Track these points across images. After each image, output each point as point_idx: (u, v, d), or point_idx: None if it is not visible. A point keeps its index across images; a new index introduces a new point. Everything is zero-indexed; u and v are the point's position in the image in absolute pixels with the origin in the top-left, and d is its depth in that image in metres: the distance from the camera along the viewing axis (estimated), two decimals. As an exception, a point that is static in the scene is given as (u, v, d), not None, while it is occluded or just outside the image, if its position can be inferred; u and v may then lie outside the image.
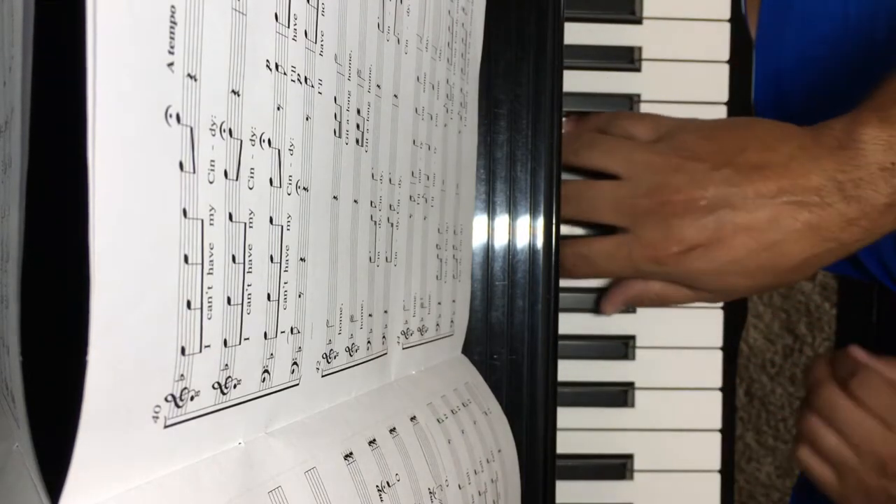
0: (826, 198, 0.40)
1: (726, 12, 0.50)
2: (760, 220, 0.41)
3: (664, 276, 0.44)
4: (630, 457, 0.51)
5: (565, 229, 0.49)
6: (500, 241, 0.42)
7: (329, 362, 0.26)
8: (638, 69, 0.49)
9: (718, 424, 0.51)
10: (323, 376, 0.26)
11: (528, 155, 0.42)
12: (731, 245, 0.41)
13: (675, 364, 0.51)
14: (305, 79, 0.23)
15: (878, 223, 0.40)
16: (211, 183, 0.18)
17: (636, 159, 0.44)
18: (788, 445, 1.15)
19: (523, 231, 0.42)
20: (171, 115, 0.17)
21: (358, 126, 0.27)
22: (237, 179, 0.19)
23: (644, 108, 0.50)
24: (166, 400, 0.18)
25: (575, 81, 0.49)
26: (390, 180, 0.30)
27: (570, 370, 0.50)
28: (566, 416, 0.51)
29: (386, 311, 0.31)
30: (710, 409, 0.51)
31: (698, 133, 0.44)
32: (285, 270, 0.22)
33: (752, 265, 0.42)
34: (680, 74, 0.50)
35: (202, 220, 0.18)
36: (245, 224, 0.20)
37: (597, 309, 0.50)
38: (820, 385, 0.49)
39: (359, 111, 0.27)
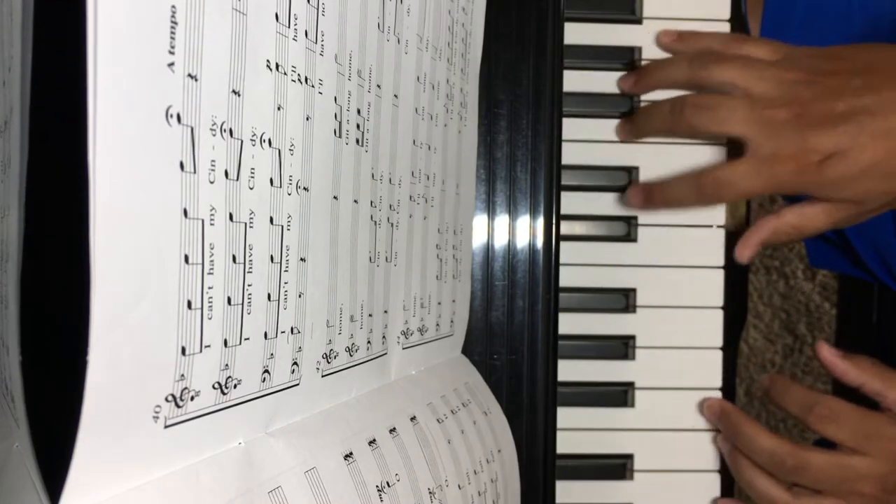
0: None
1: (726, 12, 0.50)
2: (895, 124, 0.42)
3: (806, 187, 0.44)
4: (630, 457, 0.51)
5: (566, 227, 0.49)
6: (500, 241, 0.42)
7: (329, 362, 0.26)
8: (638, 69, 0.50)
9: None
10: (323, 376, 0.26)
11: (528, 155, 0.42)
12: (871, 149, 0.42)
13: (675, 364, 0.51)
14: (306, 79, 0.23)
15: None
16: (211, 183, 0.18)
17: (768, 75, 0.45)
18: (788, 445, 1.14)
19: (523, 231, 0.42)
20: (171, 115, 0.17)
21: (358, 126, 0.27)
22: (237, 179, 0.19)
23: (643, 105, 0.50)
24: (166, 400, 0.18)
25: (575, 81, 0.49)
26: (390, 180, 0.30)
27: (570, 370, 0.50)
28: (566, 416, 0.51)
29: (386, 311, 0.31)
30: (710, 409, 0.51)
31: (823, 53, 0.45)
32: (285, 270, 0.22)
33: (891, 168, 0.42)
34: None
35: (203, 220, 0.18)
36: (245, 224, 0.20)
37: (597, 309, 0.50)
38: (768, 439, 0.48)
39: (359, 111, 0.27)
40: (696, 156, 0.50)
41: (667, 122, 0.47)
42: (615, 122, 0.49)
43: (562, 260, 0.44)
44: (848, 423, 0.46)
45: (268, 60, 0.20)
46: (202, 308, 0.18)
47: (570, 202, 0.49)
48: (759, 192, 0.46)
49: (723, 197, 0.46)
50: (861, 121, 0.42)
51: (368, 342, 0.29)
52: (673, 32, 0.49)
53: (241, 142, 0.20)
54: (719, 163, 0.47)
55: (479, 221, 0.41)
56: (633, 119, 0.49)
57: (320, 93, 0.24)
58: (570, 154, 0.49)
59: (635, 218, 0.50)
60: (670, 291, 0.51)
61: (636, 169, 0.50)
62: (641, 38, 0.50)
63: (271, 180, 0.21)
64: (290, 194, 0.22)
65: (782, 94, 0.44)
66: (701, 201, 0.47)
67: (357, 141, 0.27)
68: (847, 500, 0.46)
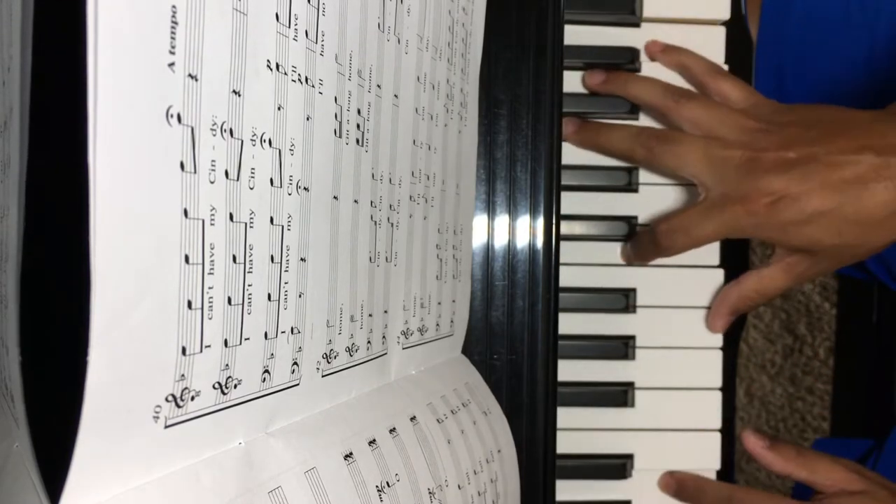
0: None
1: (726, 12, 0.50)
2: (846, 175, 0.43)
3: (756, 229, 0.45)
4: (630, 456, 0.51)
5: (566, 227, 0.49)
6: (500, 241, 0.42)
7: (329, 362, 0.26)
8: (638, 69, 0.49)
9: (718, 424, 0.51)
10: (323, 376, 0.26)
11: (528, 155, 0.42)
12: (817, 196, 0.43)
13: (675, 364, 0.51)
14: (306, 79, 0.23)
15: None
16: (212, 183, 0.18)
17: (730, 121, 0.46)
18: (788, 445, 1.15)
19: (523, 231, 0.42)
20: (172, 115, 0.17)
21: (358, 126, 0.27)
22: (238, 179, 0.19)
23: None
24: (167, 400, 0.18)
25: (575, 81, 0.49)
26: (390, 180, 0.30)
27: (570, 370, 0.50)
28: (566, 416, 0.51)
29: (386, 311, 0.30)
30: (710, 409, 0.51)
31: (788, 108, 0.47)
32: (286, 270, 0.22)
33: (837, 218, 0.43)
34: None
35: (203, 221, 0.18)
36: (246, 224, 0.20)
37: (597, 309, 0.50)
38: None
39: (359, 111, 0.27)
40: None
41: (625, 145, 0.48)
42: (616, 122, 0.49)
43: (562, 260, 0.44)
44: None
45: (268, 60, 0.20)
46: (202, 308, 0.18)
47: (570, 202, 0.49)
48: (712, 237, 0.47)
49: (677, 245, 0.47)
50: (811, 168, 0.43)
51: (368, 342, 0.29)
52: (660, 44, 0.50)
53: (242, 142, 0.20)
54: (671, 213, 0.48)
55: (479, 221, 0.41)
56: (597, 128, 0.49)
57: (320, 93, 0.24)
58: (570, 154, 0.49)
59: (635, 218, 0.50)
60: (670, 291, 0.51)
61: (636, 169, 0.50)
62: (641, 38, 0.50)
63: (271, 180, 0.21)
64: (290, 194, 0.22)
65: (740, 139, 0.45)
66: (660, 253, 0.48)
67: (357, 141, 0.27)
68: None
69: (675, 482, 0.51)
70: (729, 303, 0.49)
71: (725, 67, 0.50)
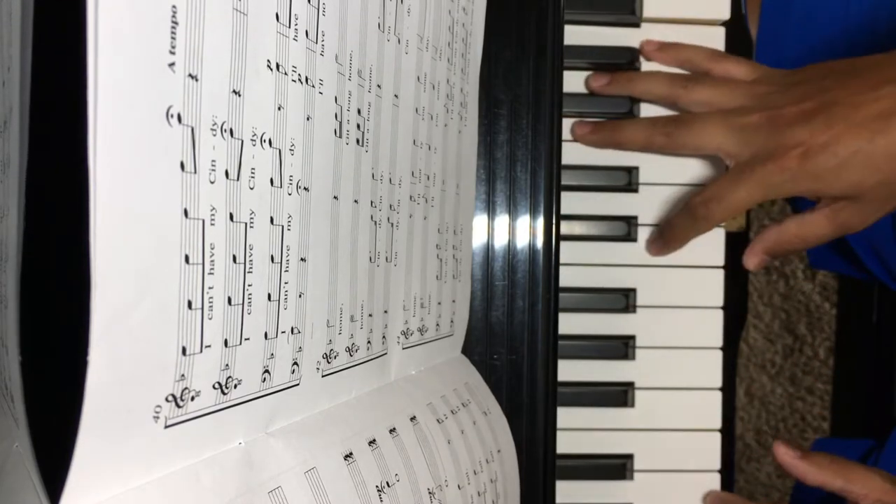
0: None
1: (726, 12, 0.50)
2: (870, 112, 0.42)
3: (792, 185, 0.44)
4: (630, 457, 0.51)
5: (566, 227, 0.49)
6: (500, 241, 0.42)
7: (329, 362, 0.26)
8: (638, 69, 0.49)
9: (718, 424, 0.51)
10: (323, 376, 0.26)
11: (528, 155, 0.42)
12: (847, 138, 0.42)
13: (675, 364, 0.51)
14: (306, 79, 0.23)
15: None
16: (212, 183, 0.18)
17: (740, 92, 0.46)
18: (788, 445, 1.14)
19: (523, 231, 0.42)
20: (172, 115, 0.17)
21: (358, 126, 0.27)
22: (238, 179, 0.19)
23: (644, 108, 0.50)
24: (167, 400, 0.18)
25: (575, 81, 0.49)
26: (390, 180, 0.30)
27: (570, 370, 0.50)
28: (566, 416, 0.51)
29: (386, 311, 0.30)
30: (710, 409, 0.51)
31: (792, 70, 0.47)
32: (286, 270, 0.22)
33: (873, 155, 0.42)
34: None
35: (203, 221, 0.18)
36: (246, 224, 0.20)
37: (597, 309, 0.50)
38: None
39: (359, 111, 0.27)
40: (696, 158, 0.50)
41: (644, 135, 0.48)
42: (614, 122, 0.49)
43: (562, 260, 0.44)
44: None
45: (268, 60, 0.20)
46: (202, 308, 0.18)
47: (570, 202, 0.49)
48: (748, 201, 0.46)
49: (714, 215, 0.46)
50: (834, 112, 0.42)
51: (368, 342, 0.29)
52: (655, 42, 0.50)
53: (242, 142, 0.20)
54: (706, 185, 0.48)
55: (479, 221, 0.41)
56: (612, 125, 0.49)
57: (321, 93, 0.24)
58: (570, 154, 0.49)
59: (635, 218, 0.50)
60: (670, 291, 0.51)
61: (636, 169, 0.50)
62: (641, 38, 0.50)
63: (272, 180, 0.21)
64: (290, 194, 0.22)
65: (755, 103, 0.45)
66: (698, 227, 0.48)
67: (357, 141, 0.27)
68: None
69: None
70: (766, 242, 0.48)
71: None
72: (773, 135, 0.43)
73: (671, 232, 0.49)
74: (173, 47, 0.17)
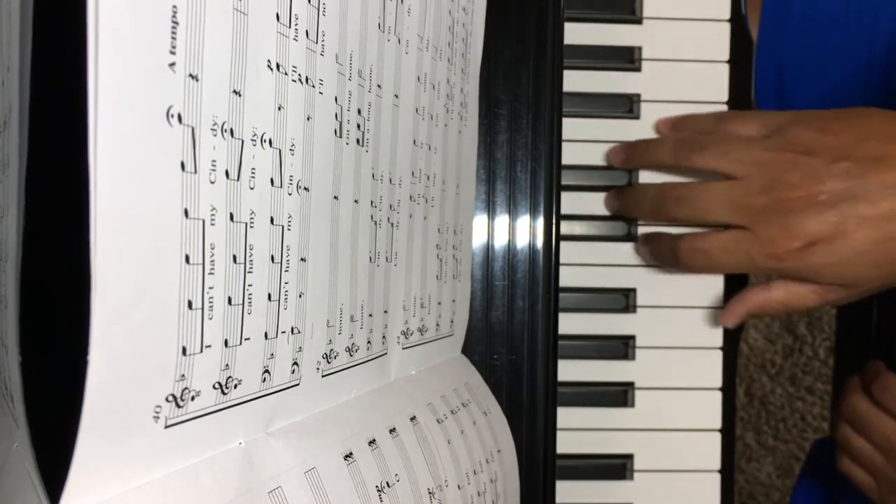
0: None
1: (726, 12, 0.50)
2: (884, 211, 0.40)
3: (783, 272, 0.43)
4: (630, 457, 0.51)
5: (567, 227, 0.49)
6: (500, 241, 0.42)
7: (329, 362, 0.26)
8: (638, 69, 0.49)
9: (718, 424, 0.51)
10: (323, 376, 0.26)
11: (528, 155, 0.42)
12: (856, 237, 0.40)
13: (675, 364, 0.51)
14: (306, 79, 0.23)
15: None
16: (212, 183, 0.18)
17: (749, 158, 0.43)
18: (789, 445, 1.15)
19: (523, 231, 0.42)
20: (172, 115, 0.17)
21: (359, 126, 0.27)
22: (238, 179, 0.19)
23: (644, 107, 0.50)
24: (167, 400, 0.18)
25: (575, 81, 0.49)
26: (391, 180, 0.30)
27: (570, 370, 0.50)
28: (566, 416, 0.51)
29: (386, 311, 0.30)
30: (710, 409, 0.51)
31: (812, 126, 0.43)
32: (286, 270, 0.22)
33: (879, 256, 0.41)
34: (680, 74, 0.50)
35: (203, 221, 0.18)
36: (246, 224, 0.20)
37: (597, 309, 0.50)
38: (847, 393, 0.51)
39: (359, 111, 0.27)
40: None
41: (649, 209, 0.47)
42: (615, 122, 0.49)
43: (562, 260, 0.44)
44: None
45: (268, 60, 0.20)
46: (203, 308, 0.18)
47: (570, 202, 0.49)
48: (734, 270, 0.45)
49: (696, 266, 0.46)
50: (846, 207, 0.40)
51: (368, 342, 0.29)
52: (668, 121, 0.48)
53: (242, 142, 0.20)
54: (702, 232, 0.46)
55: (479, 221, 0.41)
56: (621, 198, 0.48)
57: (321, 93, 0.24)
58: (570, 154, 0.49)
59: (636, 218, 0.50)
60: (670, 291, 0.51)
61: (636, 171, 0.50)
62: (641, 38, 0.50)
63: (272, 180, 0.21)
64: (290, 194, 0.22)
65: (764, 178, 0.42)
66: (679, 269, 0.47)
67: (357, 141, 0.27)
68: None
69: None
70: (749, 305, 0.47)
71: (727, 66, 0.50)
72: (780, 219, 0.41)
73: (653, 254, 0.48)
74: (174, 47, 0.17)
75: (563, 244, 0.46)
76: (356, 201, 0.27)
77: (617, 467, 0.51)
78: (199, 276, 0.18)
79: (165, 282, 0.17)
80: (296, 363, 0.24)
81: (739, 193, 0.43)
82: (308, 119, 0.23)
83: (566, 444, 0.49)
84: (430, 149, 0.34)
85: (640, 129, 0.50)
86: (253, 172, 0.20)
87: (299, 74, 0.22)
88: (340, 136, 0.25)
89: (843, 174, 0.40)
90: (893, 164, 0.40)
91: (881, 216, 0.40)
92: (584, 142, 0.49)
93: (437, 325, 0.36)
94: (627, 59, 0.49)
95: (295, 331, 0.23)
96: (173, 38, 0.17)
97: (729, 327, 0.49)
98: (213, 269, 0.19)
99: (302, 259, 0.23)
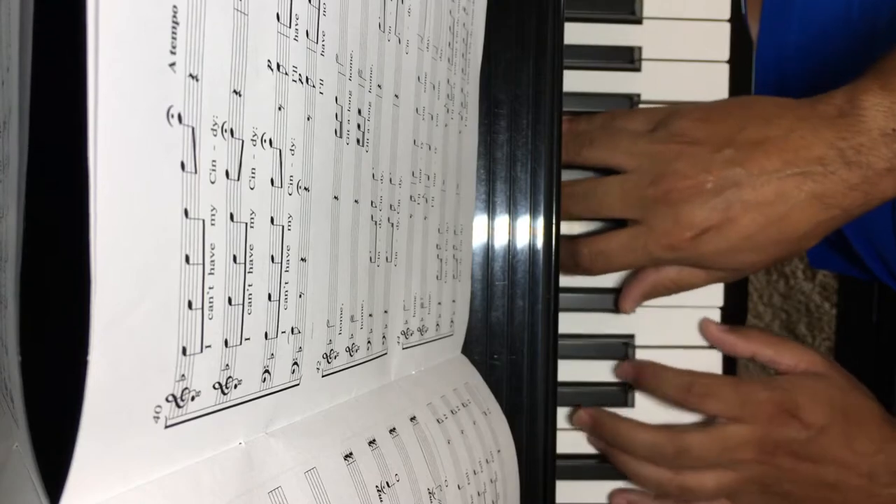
0: (828, 166, 0.40)
1: (726, 12, 0.50)
2: (767, 196, 0.41)
3: (680, 261, 0.45)
4: (630, 457, 0.51)
5: (565, 227, 0.49)
6: (500, 241, 0.42)
7: (329, 362, 0.26)
8: (638, 69, 0.49)
9: (718, 424, 0.51)
10: (323, 376, 0.26)
11: (528, 155, 0.42)
12: (742, 223, 0.42)
13: (675, 364, 0.51)
14: (307, 79, 0.23)
15: (878, 188, 0.41)
16: (212, 183, 0.18)
17: (637, 150, 0.44)
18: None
19: (523, 231, 0.42)
20: (172, 116, 0.17)
21: (359, 126, 0.27)
22: (238, 179, 0.19)
23: (644, 107, 0.50)
24: (167, 400, 0.18)
25: (575, 81, 0.49)
26: (391, 180, 0.30)
27: (570, 370, 0.50)
28: (566, 416, 0.51)
29: (386, 311, 0.30)
30: (710, 410, 0.51)
31: (694, 116, 0.44)
32: (286, 270, 0.22)
33: (763, 240, 0.42)
34: (680, 74, 0.50)
35: (203, 221, 0.18)
36: (246, 224, 0.20)
37: (597, 308, 0.50)
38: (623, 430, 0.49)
39: (360, 111, 0.27)
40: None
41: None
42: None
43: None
44: (723, 395, 0.47)
45: (269, 60, 0.20)
46: (203, 308, 0.18)
47: (571, 202, 0.49)
48: (634, 266, 0.46)
49: (596, 269, 0.46)
50: (732, 194, 0.42)
51: (368, 342, 0.29)
52: (564, 120, 0.47)
53: (242, 142, 0.20)
54: (598, 235, 0.47)
55: (479, 221, 0.41)
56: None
57: (321, 93, 0.24)
58: (571, 154, 0.49)
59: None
60: (670, 291, 0.51)
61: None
62: (641, 38, 0.50)
63: (272, 180, 0.21)
64: (290, 194, 0.22)
65: (653, 169, 0.43)
66: (580, 273, 0.48)
67: (358, 141, 0.27)
68: (733, 470, 0.47)
69: (590, 418, 0.50)
70: (643, 285, 0.48)
71: (727, 66, 0.50)
72: (670, 210, 0.43)
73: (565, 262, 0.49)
74: (174, 47, 0.17)
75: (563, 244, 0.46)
76: (356, 201, 0.27)
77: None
78: (199, 276, 0.18)
79: (165, 282, 0.17)
80: (296, 363, 0.24)
81: (631, 186, 0.44)
82: (308, 119, 0.23)
83: (566, 444, 0.49)
84: (430, 149, 0.34)
85: (640, 129, 0.49)
86: (253, 172, 0.20)
87: (299, 74, 0.22)
88: (341, 136, 0.25)
89: (726, 161, 0.42)
90: (772, 147, 0.41)
91: (763, 201, 0.41)
92: (584, 142, 0.49)
93: (438, 325, 0.36)
94: (627, 59, 0.49)
95: (295, 331, 0.23)
96: (173, 38, 0.17)
97: (628, 313, 0.49)
98: (213, 269, 0.19)
99: (302, 259, 0.23)
